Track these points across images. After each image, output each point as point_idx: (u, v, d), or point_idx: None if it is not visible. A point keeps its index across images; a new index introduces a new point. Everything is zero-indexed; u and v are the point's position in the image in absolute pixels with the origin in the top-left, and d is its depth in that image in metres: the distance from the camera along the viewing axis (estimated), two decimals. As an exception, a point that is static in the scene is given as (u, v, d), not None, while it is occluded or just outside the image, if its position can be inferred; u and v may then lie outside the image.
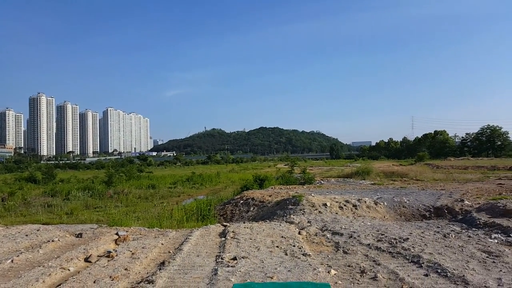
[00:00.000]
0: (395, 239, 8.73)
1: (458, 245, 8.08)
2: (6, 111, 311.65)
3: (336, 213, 12.85)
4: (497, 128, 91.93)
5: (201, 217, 15.97)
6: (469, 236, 9.02)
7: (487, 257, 7.13)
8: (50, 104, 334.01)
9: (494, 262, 6.78)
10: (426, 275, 6.21)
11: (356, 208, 13.29)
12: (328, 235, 9.59)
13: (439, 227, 10.44)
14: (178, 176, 44.18)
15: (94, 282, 6.22)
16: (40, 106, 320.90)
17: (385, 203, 13.99)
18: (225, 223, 12.15)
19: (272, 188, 22.81)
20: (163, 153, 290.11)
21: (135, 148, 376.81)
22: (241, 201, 17.99)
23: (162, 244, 9.24)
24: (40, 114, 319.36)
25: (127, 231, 10.89)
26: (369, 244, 8.40)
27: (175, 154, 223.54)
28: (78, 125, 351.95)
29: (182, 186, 33.89)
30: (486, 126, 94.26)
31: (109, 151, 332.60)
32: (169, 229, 12.17)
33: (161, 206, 21.26)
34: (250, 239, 9.26)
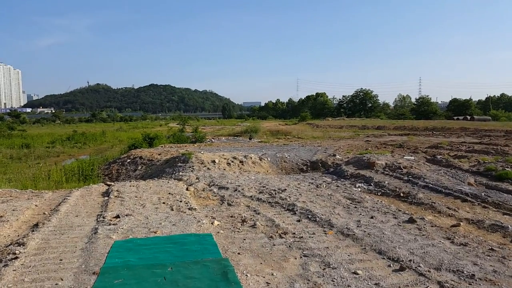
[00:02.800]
0: (274, 190, 9.28)
1: (328, 194, 9.00)
2: None
3: (224, 169, 13.05)
4: (369, 91, 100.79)
5: (83, 178, 14.61)
6: (338, 186, 10.12)
7: (350, 203, 8.10)
8: None
9: (356, 207, 7.72)
10: (299, 220, 6.75)
11: (242, 164, 13.70)
12: (214, 190, 9.68)
13: (313, 178, 11.48)
14: (57, 135, 39.35)
15: None
16: None
17: (269, 159, 14.76)
18: (109, 183, 11.26)
19: (162, 146, 22.02)
20: (39, 110, 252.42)
21: (5, 104, 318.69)
22: (128, 160, 16.94)
23: (36, 205, 8.13)
24: None
25: (-8, 194, 9.27)
26: (251, 196, 8.75)
27: (53, 111, 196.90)
28: None
29: (62, 146, 30.38)
30: (359, 90, 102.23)
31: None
32: (46, 190, 10.82)
33: (37, 167, 18.72)
34: (136, 197, 8.78)
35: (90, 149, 29.13)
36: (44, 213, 7.48)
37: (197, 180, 11.11)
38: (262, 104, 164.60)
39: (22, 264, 4.66)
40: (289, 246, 5.40)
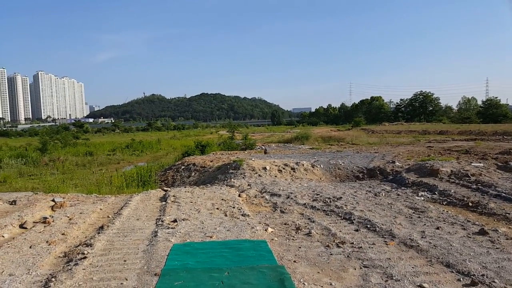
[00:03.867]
0: (329, 198, 9.10)
1: (387, 203, 8.63)
2: None
3: (275, 176, 13.08)
4: (429, 94, 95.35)
5: (142, 183, 15.44)
6: (398, 195, 9.67)
7: (413, 213, 7.69)
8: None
9: (419, 217, 7.32)
10: (357, 230, 6.55)
11: (294, 171, 13.63)
12: (266, 197, 9.73)
13: (371, 186, 11.09)
14: (117, 143, 42.10)
15: (30, 247, 5.80)
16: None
17: (322, 166, 14.53)
18: (166, 188, 11.81)
19: (213, 153, 22.62)
20: (100, 120, 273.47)
21: (70, 115, 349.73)
22: (183, 167, 17.62)
23: (100, 209, 8.77)
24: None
25: (64, 198, 10.16)
26: (305, 204, 8.66)
27: (113, 121, 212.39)
28: (7, 90, 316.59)
29: (122, 153, 32.39)
30: (419, 92, 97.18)
31: (43, 118, 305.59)
32: (109, 195, 11.61)
33: (99, 173, 20.16)
34: (191, 202, 9.10)
35: (147, 157, 30.77)
36: (108, 216, 8.04)
37: (249, 187, 11.26)
38: (313, 110, 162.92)
39: (90, 264, 5.03)
40: (348, 256, 5.25)
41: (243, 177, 12.75)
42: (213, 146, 27.65)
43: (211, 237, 6.15)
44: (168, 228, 6.69)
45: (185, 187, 12.17)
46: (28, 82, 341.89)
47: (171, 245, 5.72)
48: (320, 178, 13.42)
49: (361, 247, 5.61)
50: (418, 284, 4.24)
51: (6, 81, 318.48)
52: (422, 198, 9.16)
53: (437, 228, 6.47)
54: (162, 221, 7.17)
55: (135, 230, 6.77)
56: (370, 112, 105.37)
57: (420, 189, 10.20)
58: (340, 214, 7.63)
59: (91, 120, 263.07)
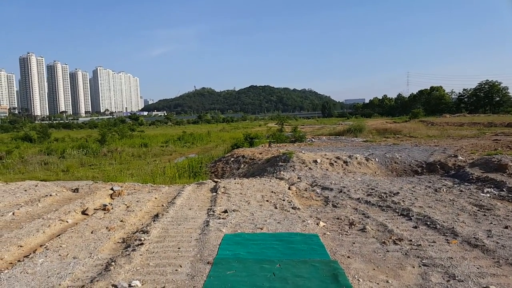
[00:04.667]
0: (385, 193, 8.77)
1: (449, 199, 8.13)
2: None
3: (327, 169, 12.86)
4: (496, 83, 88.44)
5: (193, 174, 16.01)
6: (461, 191, 9.07)
7: (478, 210, 7.18)
8: (40, 64, 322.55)
9: (485, 215, 6.82)
10: (415, 227, 6.25)
11: (346, 164, 13.30)
12: (317, 190, 9.61)
13: (430, 182, 10.51)
14: (170, 135, 43.96)
15: (92, 232, 6.28)
16: (30, 66, 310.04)
17: (377, 159, 14.03)
18: (216, 179, 12.12)
19: (262, 146, 22.77)
20: (153, 113, 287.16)
21: (126, 108, 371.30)
22: (232, 159, 17.95)
23: (155, 198, 9.24)
24: (31, 74, 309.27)
25: (121, 186, 10.89)
26: (358, 198, 8.43)
27: (165, 114, 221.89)
28: (69, 85, 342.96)
29: (174, 145, 33.80)
30: (484, 82, 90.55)
31: (101, 111, 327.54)
32: (162, 184, 12.19)
33: (154, 164, 21.23)
34: (241, 193, 9.26)
35: (198, 148, 31.80)
36: (163, 205, 8.45)
37: (298, 180, 11.19)
38: (366, 101, 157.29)
39: (146, 250, 5.33)
40: (406, 253, 5.03)
41: (293, 170, 12.70)
42: (262, 138, 27.87)
43: (261, 228, 6.21)
44: (219, 218, 6.87)
45: (234, 179, 12.40)
46: (88, 77, 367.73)
47: (223, 235, 5.87)
48: (375, 172, 12.96)
49: (420, 244, 5.35)
50: (484, 286, 3.95)
51: (69, 76, 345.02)
52: (488, 195, 8.49)
53: (506, 227, 5.98)
54: (213, 211, 7.38)
55: (188, 219, 7.04)
56: (430, 103, 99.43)
57: (486, 185, 9.47)
58: (397, 210, 7.32)
59: (145, 113, 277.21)
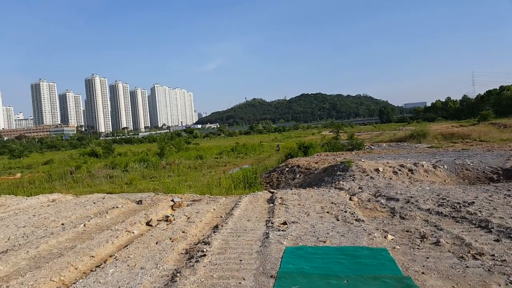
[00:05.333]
0: (458, 203, 8.11)
1: (533, 209, 7.31)
2: (67, 93, 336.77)
3: (390, 178, 12.25)
4: None
5: (248, 185, 16.12)
6: (545, 199, 8.14)
7: None
8: (103, 84, 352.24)
9: None
10: (497, 240, 5.68)
11: (412, 173, 12.58)
12: (382, 201, 9.16)
13: (510, 190, 9.55)
14: (223, 147, 45.01)
15: (156, 243, 6.54)
16: (95, 87, 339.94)
17: (445, 166, 13.10)
18: (272, 190, 12.08)
19: (317, 155, 22.36)
20: (207, 126, 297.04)
21: (181, 122, 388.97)
22: (287, 169, 17.82)
23: (214, 209, 9.41)
24: (95, 94, 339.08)
25: (181, 198, 11.28)
26: (429, 209, 7.88)
27: (218, 126, 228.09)
28: (129, 103, 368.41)
29: (228, 156, 34.52)
30: None
31: (159, 126, 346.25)
32: (219, 195, 12.42)
33: (209, 175, 21.78)
34: (299, 204, 9.11)
35: (251, 159, 32.13)
36: (221, 216, 8.57)
37: (360, 190, 10.78)
38: (428, 105, 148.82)
39: (209, 261, 5.39)
40: (489, 270, 4.57)
41: (353, 180, 12.27)
42: (316, 147, 27.41)
43: (324, 242, 6.02)
44: (279, 230, 6.79)
45: (291, 189, 12.27)
46: (146, 95, 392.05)
47: (284, 247, 5.78)
48: (444, 181, 12.09)
49: (504, 260, 4.84)
50: None
51: (129, 94, 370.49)
52: None
53: None
54: (272, 223, 7.32)
55: (247, 230, 7.04)
56: (500, 104, 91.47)
57: None
58: (473, 222, 6.72)
59: (199, 126, 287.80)
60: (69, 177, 25.06)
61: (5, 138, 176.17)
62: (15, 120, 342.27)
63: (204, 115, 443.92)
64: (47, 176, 25.55)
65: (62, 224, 8.62)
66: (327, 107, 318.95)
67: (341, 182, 12.21)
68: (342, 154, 22.04)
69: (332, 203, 9.19)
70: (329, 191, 10.95)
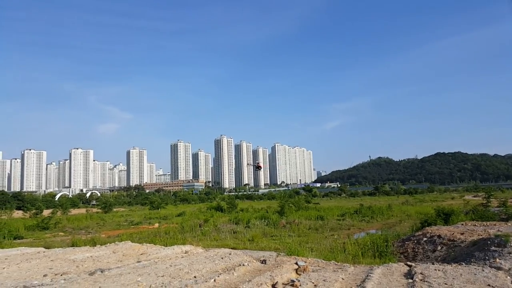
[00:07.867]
0: None
1: None
2: (199, 152, 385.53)
3: None
4: None
5: (378, 254, 14.88)
6: None
7: None
8: (229, 144, 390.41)
9: None
10: None
11: None
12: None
13: None
14: (345, 208, 43.32)
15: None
16: (222, 146, 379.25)
17: None
18: (409, 263, 10.85)
19: (462, 224, 19.52)
20: (326, 184, 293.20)
21: (300, 180, 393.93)
22: (424, 238, 15.95)
23: (342, 278, 8.89)
24: (222, 153, 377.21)
25: (305, 262, 11.05)
26: None
27: (338, 185, 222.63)
28: (252, 160, 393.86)
29: (351, 219, 32.93)
30: None
31: (278, 183, 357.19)
32: (346, 263, 11.73)
33: (332, 238, 20.99)
34: (445, 284, 7.91)
35: (378, 224, 29.97)
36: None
37: (525, 272, 8.85)
38: None
39: None
40: None
41: (514, 258, 10.21)
42: (459, 214, 24.11)
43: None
44: (425, 313, 5.93)
45: (432, 264, 10.86)
46: (267, 153, 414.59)
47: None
48: None
49: None
50: None
51: (252, 153, 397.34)
52: None
53: None
54: (414, 303, 6.46)
55: (384, 309, 6.35)
56: None
57: None
58: None
59: (318, 184, 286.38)
60: (198, 229, 27.49)
61: (147, 191, 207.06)
62: (156, 175, 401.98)
63: (323, 174, 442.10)
64: (180, 227, 28.43)
65: (195, 277, 9.20)
66: (468, 167, 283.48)
67: (497, 259, 10.32)
68: (495, 224, 18.81)
69: (488, 285, 7.74)
70: (483, 270, 9.28)
